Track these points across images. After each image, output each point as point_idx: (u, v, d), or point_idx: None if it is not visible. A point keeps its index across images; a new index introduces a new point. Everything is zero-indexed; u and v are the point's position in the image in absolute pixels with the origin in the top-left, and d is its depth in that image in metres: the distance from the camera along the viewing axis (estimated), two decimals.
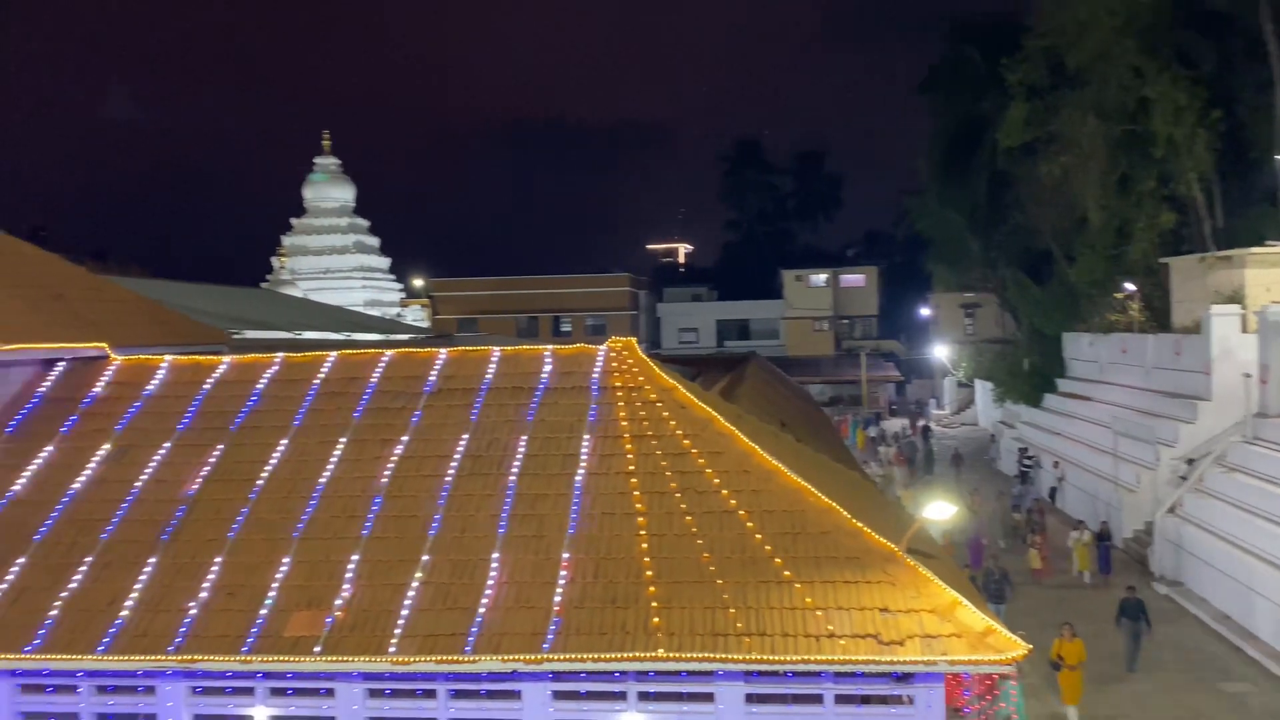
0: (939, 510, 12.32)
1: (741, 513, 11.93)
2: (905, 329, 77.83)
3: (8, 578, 12.04)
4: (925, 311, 71.93)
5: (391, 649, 10.76)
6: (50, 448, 14.11)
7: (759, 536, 11.62)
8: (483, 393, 14.50)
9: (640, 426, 13.36)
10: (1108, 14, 35.65)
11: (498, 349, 15.62)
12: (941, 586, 10.88)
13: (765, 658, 10.39)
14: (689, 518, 11.97)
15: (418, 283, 77.88)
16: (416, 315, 72.80)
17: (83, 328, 16.44)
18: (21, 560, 12.30)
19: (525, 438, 13.57)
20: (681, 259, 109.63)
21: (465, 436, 13.71)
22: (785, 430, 18.61)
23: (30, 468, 13.77)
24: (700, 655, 10.43)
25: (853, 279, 77.42)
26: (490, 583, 11.41)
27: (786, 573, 11.18)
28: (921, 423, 54.99)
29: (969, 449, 47.76)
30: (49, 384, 15.31)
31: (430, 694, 11.19)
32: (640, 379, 14.16)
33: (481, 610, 11.08)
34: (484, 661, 10.59)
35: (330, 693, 11.25)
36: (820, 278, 75.98)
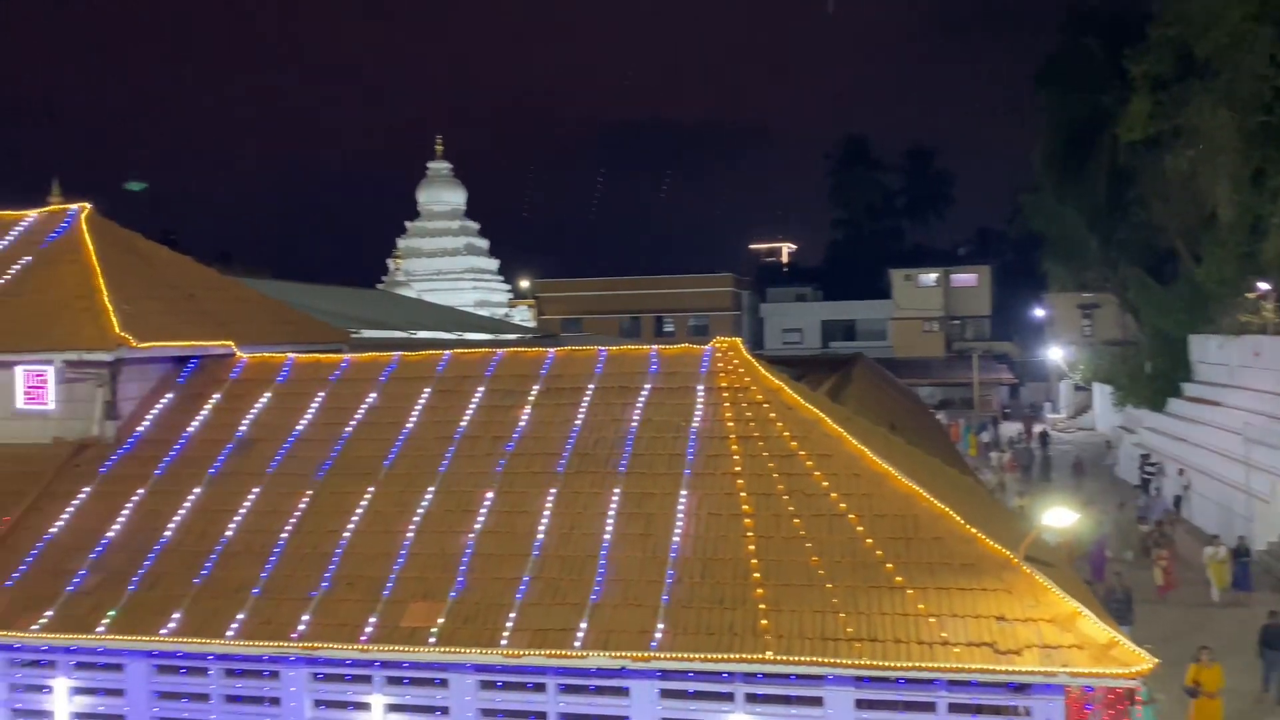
0: (1058, 517, 11.92)
1: (851, 516, 11.77)
2: (1019, 330, 75.50)
3: (145, 564, 12.71)
4: (1040, 312, 69.65)
5: (503, 642, 10.97)
6: (182, 441, 14.84)
7: (869, 541, 11.45)
8: (590, 391, 14.66)
9: (746, 427, 13.30)
10: (1240, 1, 33.93)
11: (604, 349, 15.78)
12: (1061, 596, 10.54)
13: (877, 663, 10.23)
14: (797, 520, 11.87)
15: (524, 284, 79.15)
16: (523, 315, 74.02)
17: (213, 326, 17.24)
18: (157, 548, 12.98)
19: (631, 437, 13.67)
20: (785, 258, 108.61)
21: (573, 434, 13.89)
22: (895, 433, 18.27)
23: (164, 460, 14.51)
24: (809, 659, 10.34)
25: (964, 278, 75.48)
26: (599, 580, 11.53)
27: (898, 578, 10.99)
28: (1039, 428, 53.24)
29: (1087, 455, 46.04)
30: (182, 379, 16.11)
31: (540, 688, 11.37)
32: (746, 379, 14.10)
33: (590, 607, 11.21)
34: (593, 658, 10.71)
35: (444, 683, 11.54)
36: (930, 277, 74.31)
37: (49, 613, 12.17)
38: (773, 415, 13.32)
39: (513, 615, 11.28)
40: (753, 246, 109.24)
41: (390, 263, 66.73)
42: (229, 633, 11.60)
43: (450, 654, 11.02)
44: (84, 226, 17.65)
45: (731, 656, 10.48)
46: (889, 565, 11.12)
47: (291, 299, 25.58)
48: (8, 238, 17.74)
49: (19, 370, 14.92)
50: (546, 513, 12.62)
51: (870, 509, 11.84)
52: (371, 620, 11.48)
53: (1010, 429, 55.21)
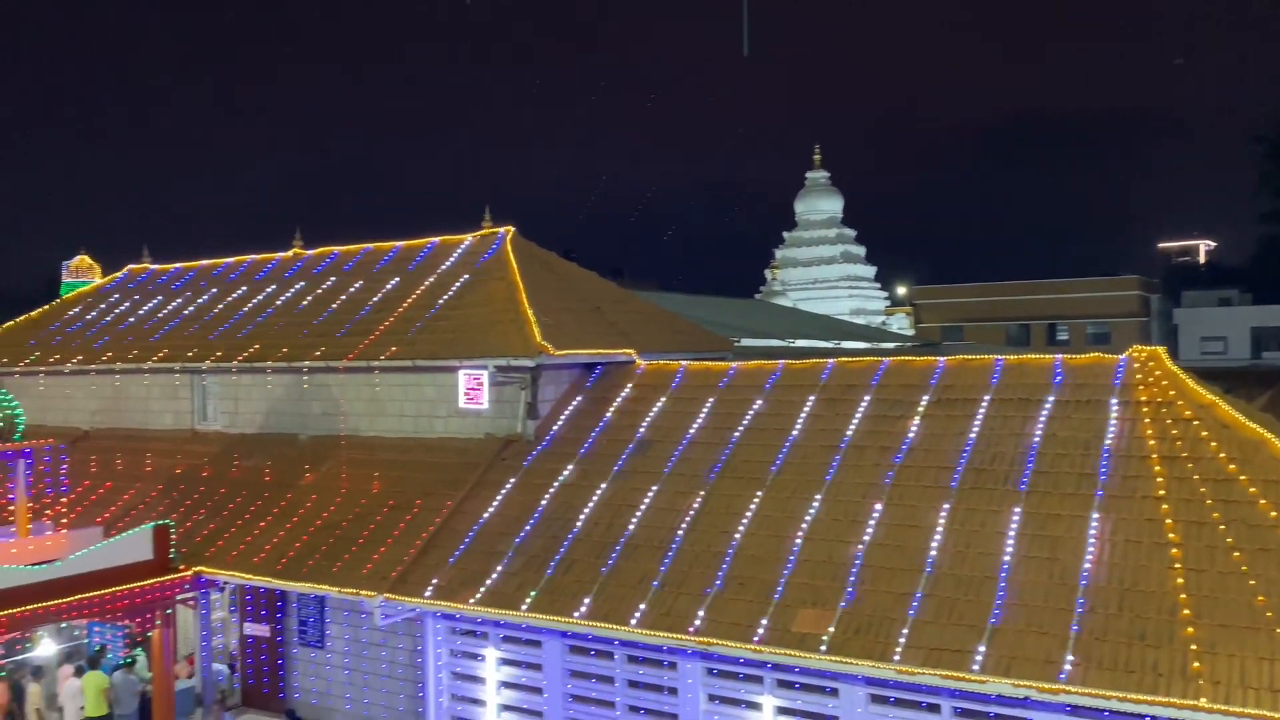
0: None
1: None
2: None
3: (560, 551, 13.97)
4: None
5: (896, 657, 10.74)
6: (590, 440, 16.14)
7: None
8: (985, 403, 13.96)
9: (1172, 447, 11.96)
10: None
11: (1000, 358, 14.95)
12: None
13: None
14: (1236, 554, 10.46)
15: (901, 290, 77.20)
16: (900, 323, 72.23)
17: (616, 336, 18.62)
18: (570, 536, 14.21)
19: (1033, 452, 12.81)
20: (1202, 257, 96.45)
21: (967, 448, 13.29)
22: None
23: (576, 457, 15.86)
24: (1255, 711, 9.05)
25: None
26: (999, 602, 10.92)
27: None
28: None
29: None
30: (590, 384, 17.53)
31: (934, 708, 10.99)
32: (1171, 393, 12.69)
33: (990, 630, 10.65)
34: (994, 683, 10.16)
35: (834, 692, 11.52)
36: None
37: (482, 589, 13.75)
38: (1205, 434, 11.86)
39: (905, 631, 11.00)
40: (1162, 245, 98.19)
41: (767, 273, 68.16)
42: (632, 620, 12.41)
43: (842, 663, 10.98)
44: (509, 247, 19.85)
45: (1157, 699, 9.45)
46: None
47: (679, 310, 26.93)
48: (450, 259, 20.39)
49: (461, 374, 17.05)
50: (939, 528, 12.19)
51: None
52: (763, 622, 11.73)
53: None
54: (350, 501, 16.40)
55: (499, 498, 15.40)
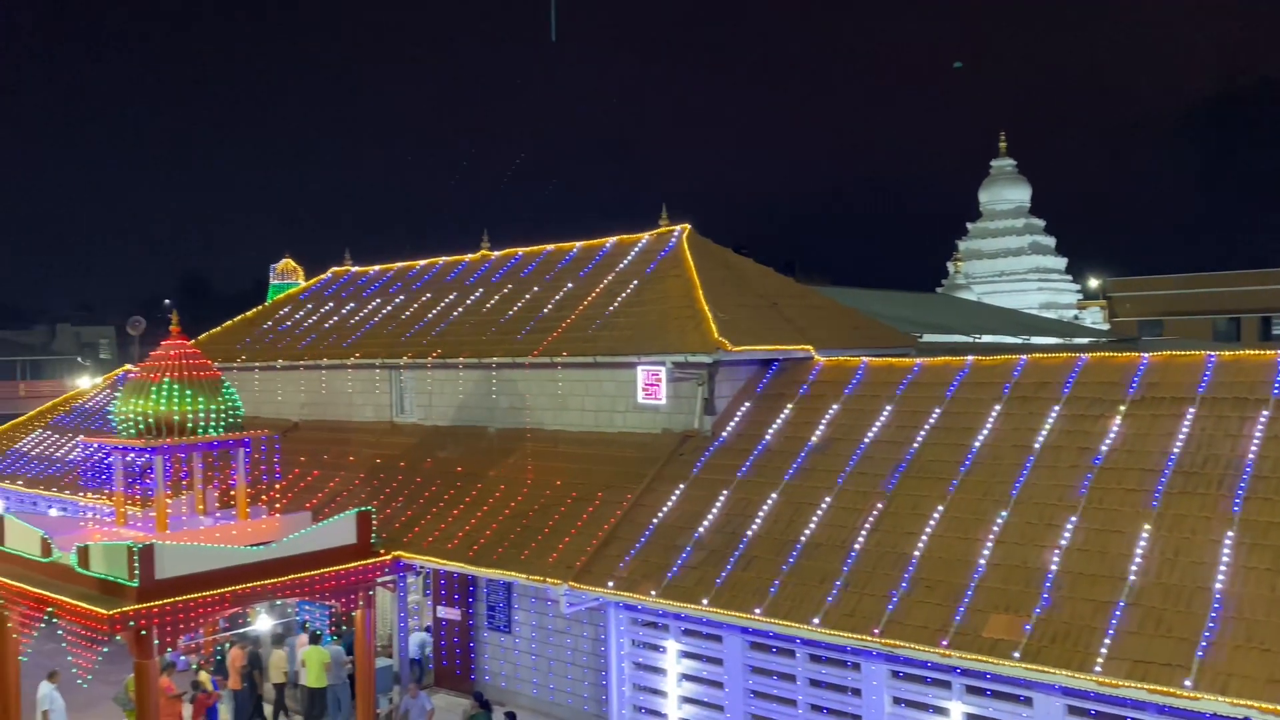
0: None
1: None
2: None
3: (739, 547, 14.00)
4: None
5: (1096, 668, 10.21)
6: (767, 437, 16.09)
7: None
8: (1195, 403, 13.05)
9: None
10: None
11: (1212, 354, 13.93)
12: None
13: None
14: None
15: (1094, 282, 72.98)
16: (1094, 318, 68.30)
17: (793, 332, 18.47)
18: (749, 533, 14.21)
19: (1252, 456, 11.88)
20: None
21: (1175, 449, 12.47)
22: None
23: (753, 454, 15.85)
24: None
25: None
26: (1213, 616, 10.20)
27: None
28: None
29: None
30: (767, 381, 17.47)
31: None
32: None
33: (1203, 644, 9.96)
34: (1207, 701, 9.50)
35: (1028, 701, 11.06)
36: None
37: (663, 582, 13.94)
38: None
39: (1106, 641, 10.44)
40: None
41: (950, 265, 65.87)
42: (814, 620, 12.30)
43: (1037, 672, 10.52)
44: (685, 245, 20.03)
45: None
46: None
47: (857, 305, 26.43)
48: (628, 257, 20.76)
49: (639, 369, 17.35)
50: (1143, 535, 11.49)
51: None
52: (951, 626, 11.39)
53: None
54: (536, 493, 16.98)
55: (677, 492, 15.58)
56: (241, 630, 17.54)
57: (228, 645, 17.35)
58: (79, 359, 70.01)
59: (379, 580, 16.47)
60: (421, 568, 17.10)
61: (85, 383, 44.82)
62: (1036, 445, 13.54)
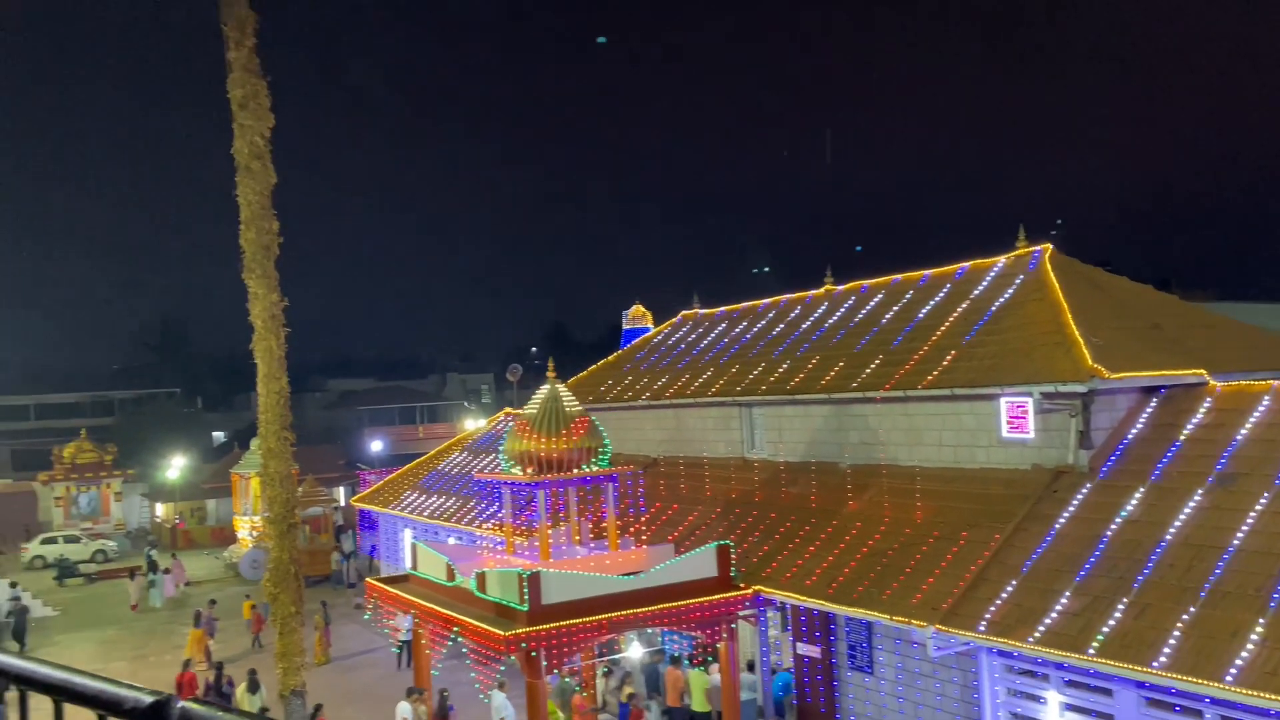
0: None
1: None
2: None
3: (1129, 593, 12.75)
4: None
5: None
6: (1156, 472, 14.57)
7: None
8: None
9: None
10: None
11: None
12: None
13: None
14: None
15: None
16: None
17: (1179, 355, 16.66)
18: (1140, 577, 12.91)
19: None
20: None
21: None
22: None
23: (1138, 491, 14.42)
24: None
25: None
26: None
27: None
28: None
29: None
30: (1150, 411, 15.87)
31: None
32: None
33: None
34: None
35: None
36: None
37: (1040, 628, 13.01)
38: None
39: None
40: None
41: None
42: (1227, 677, 10.90)
43: None
44: (1047, 265, 18.78)
45: None
46: None
47: (1255, 321, 23.36)
48: (982, 283, 19.82)
49: (1002, 401, 16.43)
50: None
51: None
52: None
53: None
54: (894, 530, 16.56)
55: (1052, 532, 14.52)
56: (614, 655, 18.61)
57: (604, 670, 18.46)
58: (465, 403, 78.40)
59: (740, 614, 16.82)
60: (781, 603, 17.23)
61: (471, 425, 50.05)
62: None
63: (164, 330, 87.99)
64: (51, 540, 44.12)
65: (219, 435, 72.35)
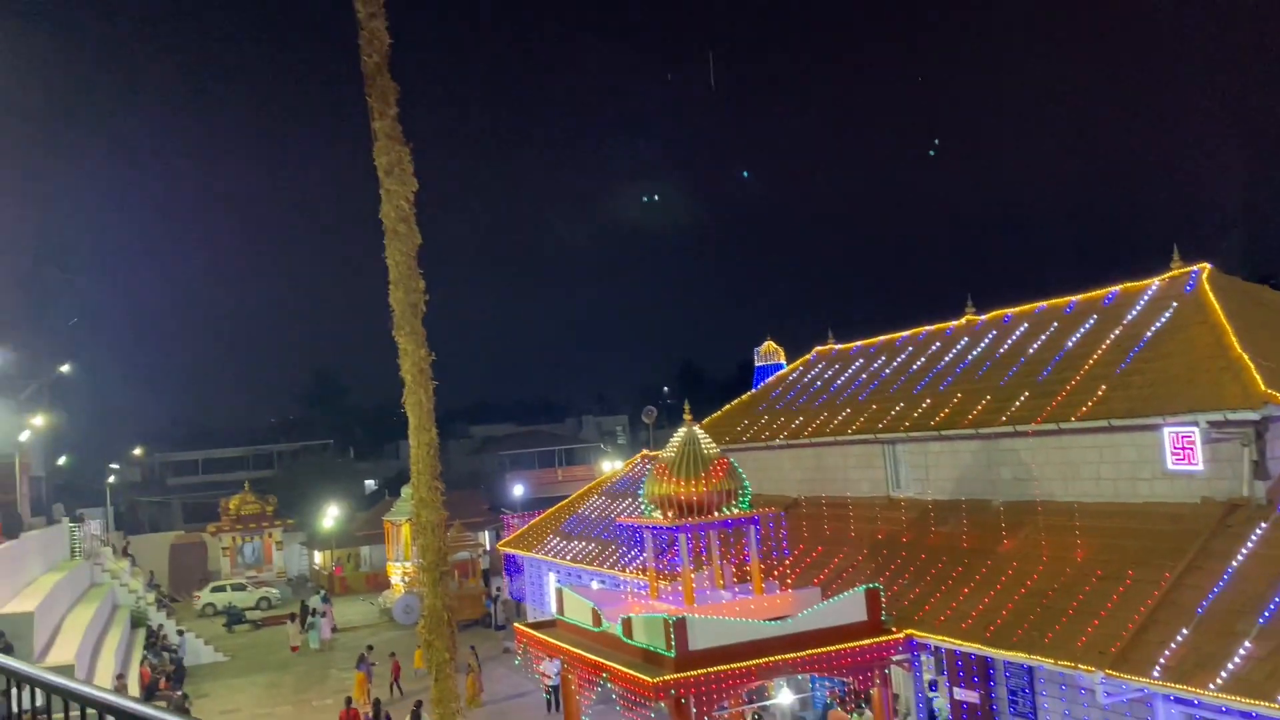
0: None
1: None
2: None
3: None
4: None
5: None
6: None
7: None
8: None
9: None
10: None
11: None
12: None
13: None
14: None
15: None
16: None
17: None
18: None
19: None
20: None
21: None
22: None
23: None
24: None
25: None
26: None
27: None
28: None
29: None
30: None
31: None
32: None
33: None
34: None
35: None
36: None
37: (1223, 673, 12.17)
38: None
39: None
40: None
41: None
42: None
43: None
44: (1206, 286, 17.76)
45: None
46: None
47: None
48: (1135, 307, 18.89)
49: (1165, 432, 15.56)
50: None
51: None
52: None
53: None
54: (1053, 570, 15.83)
55: (1229, 570, 13.61)
56: (765, 702, 18.34)
57: (755, 717, 18.21)
58: (601, 445, 79.35)
59: (893, 659, 16.34)
60: (935, 647, 16.67)
61: (607, 466, 50.56)
62: None
63: (318, 384, 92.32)
64: (220, 589, 46.67)
65: (370, 484, 75.21)
